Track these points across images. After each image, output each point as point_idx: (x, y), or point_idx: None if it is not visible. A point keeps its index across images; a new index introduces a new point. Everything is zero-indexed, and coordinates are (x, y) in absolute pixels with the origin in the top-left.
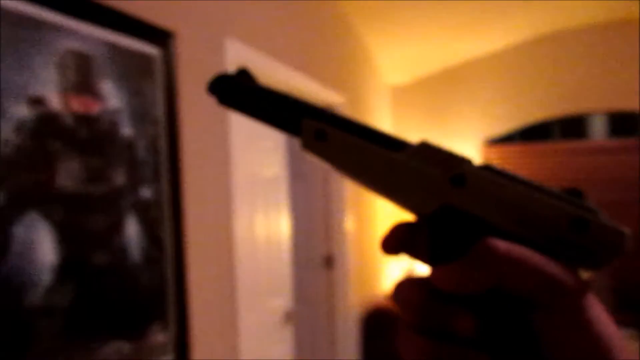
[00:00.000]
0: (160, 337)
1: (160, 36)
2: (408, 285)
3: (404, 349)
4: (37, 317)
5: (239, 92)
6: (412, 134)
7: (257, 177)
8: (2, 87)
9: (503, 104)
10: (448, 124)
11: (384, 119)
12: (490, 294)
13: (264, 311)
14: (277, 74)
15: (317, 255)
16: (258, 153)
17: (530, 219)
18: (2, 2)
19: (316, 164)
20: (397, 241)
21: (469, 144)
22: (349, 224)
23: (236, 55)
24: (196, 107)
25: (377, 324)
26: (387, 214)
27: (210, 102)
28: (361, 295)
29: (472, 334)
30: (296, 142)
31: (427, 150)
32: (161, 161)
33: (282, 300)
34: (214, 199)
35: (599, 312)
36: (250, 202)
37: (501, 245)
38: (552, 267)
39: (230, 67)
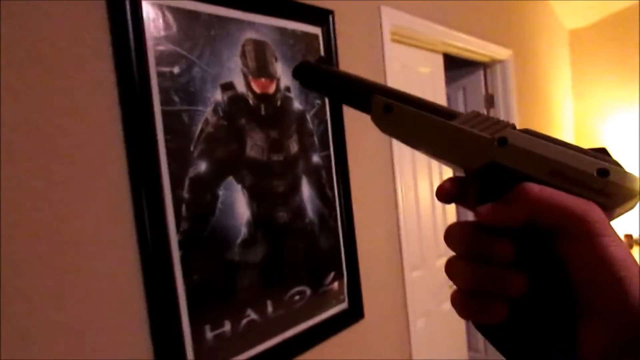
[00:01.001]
0: (335, 285)
1: (321, 16)
2: (458, 225)
3: (453, 275)
4: (240, 264)
5: (318, 76)
6: (596, 81)
7: None
8: (204, 79)
9: None
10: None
11: (562, 67)
12: (525, 228)
13: (432, 269)
14: (435, 36)
15: None
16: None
17: (561, 170)
18: (200, 8)
19: None
20: (450, 192)
21: None
22: None
23: (392, 22)
24: None
25: None
26: None
27: (368, 70)
28: None
29: (511, 258)
30: (455, 104)
31: (476, 118)
32: (327, 130)
33: None
34: (376, 163)
35: (614, 238)
36: (412, 166)
37: (535, 187)
38: (575, 202)
39: (387, 35)
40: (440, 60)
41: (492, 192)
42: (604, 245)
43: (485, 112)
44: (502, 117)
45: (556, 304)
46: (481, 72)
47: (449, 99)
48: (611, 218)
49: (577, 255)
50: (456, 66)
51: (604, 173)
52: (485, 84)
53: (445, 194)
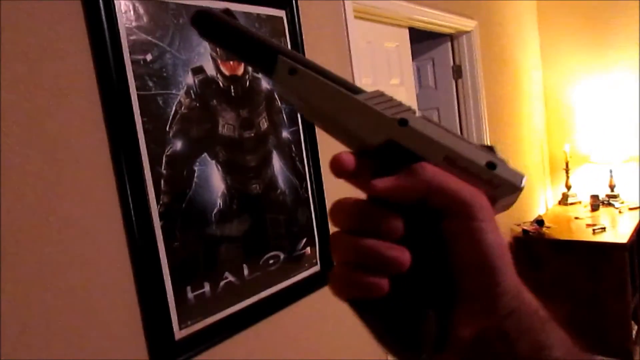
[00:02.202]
0: (308, 250)
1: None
2: (349, 199)
3: (338, 249)
4: (217, 231)
5: (221, 28)
6: (565, 49)
7: None
8: (176, 65)
9: None
10: (607, 33)
11: (530, 35)
12: (416, 206)
13: None
14: (398, 11)
15: None
16: (384, 91)
17: (455, 158)
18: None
19: (450, 99)
20: (348, 165)
21: (631, 53)
22: None
23: (354, 1)
24: (321, 56)
25: (525, 250)
26: (528, 145)
27: (332, 47)
28: (507, 222)
29: (400, 234)
30: (424, 76)
31: (379, 97)
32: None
33: None
34: None
35: (493, 226)
36: None
37: (431, 167)
38: (463, 186)
39: (350, 12)
40: (405, 34)
41: (387, 170)
42: (482, 230)
43: (454, 83)
44: (469, 88)
45: (435, 283)
46: (448, 44)
47: (418, 71)
48: (496, 210)
49: (457, 236)
50: (424, 38)
51: (492, 166)
52: (453, 55)
53: (341, 167)
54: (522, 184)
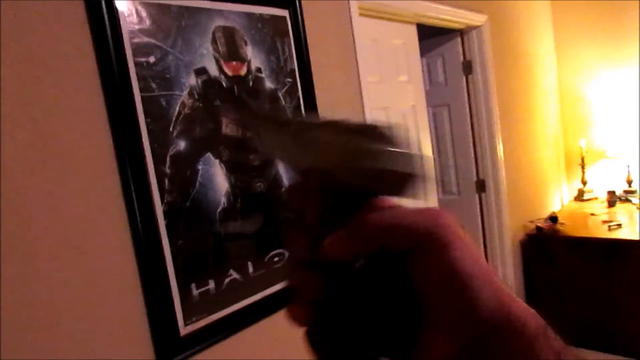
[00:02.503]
0: None
1: None
2: (299, 228)
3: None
4: (221, 230)
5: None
6: (580, 42)
7: (392, 111)
8: (179, 66)
9: None
10: (623, 27)
11: (544, 29)
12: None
13: None
14: (405, 7)
15: (469, 180)
16: (392, 88)
17: (343, 169)
18: (170, 2)
19: (460, 95)
20: (288, 199)
21: None
22: (500, 147)
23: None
24: (325, 56)
25: (539, 247)
26: (542, 140)
27: (337, 46)
28: (521, 219)
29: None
30: (434, 72)
31: (302, 124)
32: (300, 106)
33: None
34: None
35: (462, 249)
36: None
37: (372, 219)
38: (419, 219)
39: (354, 10)
40: (413, 30)
41: (327, 198)
42: (449, 260)
43: (464, 78)
44: (480, 83)
45: (400, 314)
46: (458, 39)
47: (428, 67)
48: (408, 196)
49: (423, 270)
50: (434, 34)
51: (369, 155)
52: (463, 50)
53: (287, 199)
54: (418, 168)
